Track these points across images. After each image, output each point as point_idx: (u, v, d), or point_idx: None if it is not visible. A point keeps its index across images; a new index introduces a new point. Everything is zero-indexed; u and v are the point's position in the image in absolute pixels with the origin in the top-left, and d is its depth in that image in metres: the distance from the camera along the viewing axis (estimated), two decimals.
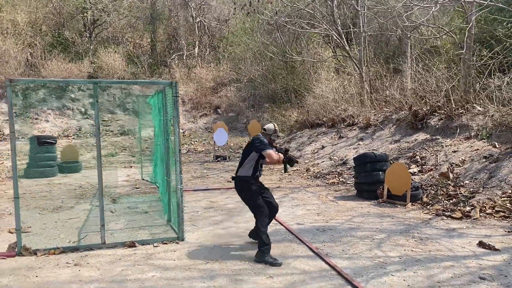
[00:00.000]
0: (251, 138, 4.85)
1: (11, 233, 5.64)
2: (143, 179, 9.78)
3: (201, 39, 27.80)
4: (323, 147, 12.05)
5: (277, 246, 5.08)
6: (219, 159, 13.51)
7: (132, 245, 5.05)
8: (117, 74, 23.08)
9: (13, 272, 4.28)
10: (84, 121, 21.22)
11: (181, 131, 21.97)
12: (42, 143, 10.07)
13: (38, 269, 4.37)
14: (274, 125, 5.00)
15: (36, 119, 20.34)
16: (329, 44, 19.64)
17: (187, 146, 17.31)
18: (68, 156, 11.06)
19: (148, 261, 4.58)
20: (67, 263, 4.53)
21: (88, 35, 24.40)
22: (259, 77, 22.91)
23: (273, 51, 21.16)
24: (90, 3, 23.39)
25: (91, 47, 23.80)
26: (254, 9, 21.00)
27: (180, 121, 23.22)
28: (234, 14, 23.74)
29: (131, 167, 11.91)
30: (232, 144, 17.38)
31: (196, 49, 27.02)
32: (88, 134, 20.03)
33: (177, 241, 5.26)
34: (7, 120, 19.70)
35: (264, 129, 4.99)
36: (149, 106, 10.65)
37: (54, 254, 4.79)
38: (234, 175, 4.90)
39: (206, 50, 27.64)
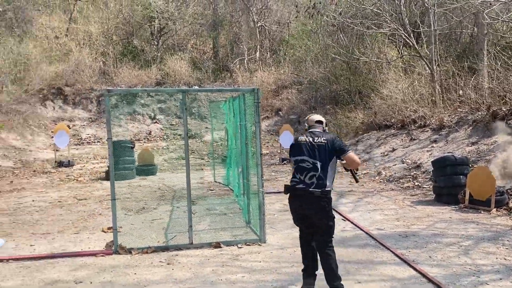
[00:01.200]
0: (323, 138, 3.83)
1: (105, 232, 6.05)
2: (215, 182, 10.06)
3: (262, 43, 28.09)
4: (393, 149, 11.75)
5: (361, 251, 5.05)
6: (285, 161, 13.59)
7: (217, 245, 5.24)
8: (183, 80, 23.88)
9: (113, 269, 4.59)
10: (154, 125, 22.16)
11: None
12: (124, 147, 10.68)
13: (135, 267, 4.66)
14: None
15: (106, 123, 21.49)
16: (394, 43, 19.11)
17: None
18: (145, 160, 11.62)
19: (235, 262, 4.73)
20: (160, 262, 4.79)
21: (155, 43, 25.46)
22: (320, 78, 22.74)
23: (336, 52, 20.93)
24: (157, 12, 24.41)
25: (159, 55, 24.81)
26: (318, 11, 20.92)
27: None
28: (296, 17, 23.74)
29: (202, 169, 12.28)
30: None
31: (258, 53, 27.34)
32: (157, 138, 20.91)
33: (259, 243, 5.38)
34: (83, 125, 21.06)
35: (320, 121, 4.06)
36: (218, 110, 10.95)
37: (147, 253, 5.08)
38: (315, 188, 3.70)
39: (267, 53, 27.87)
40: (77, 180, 10.69)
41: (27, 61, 19.81)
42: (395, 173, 10.03)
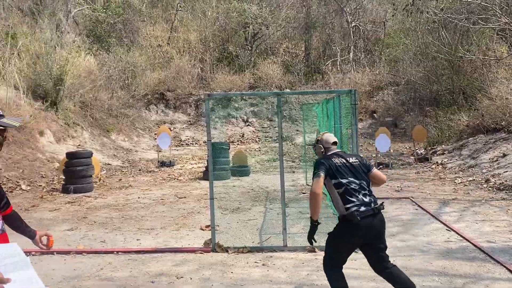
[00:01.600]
0: (354, 157, 3.65)
1: (203, 230, 6.30)
2: (308, 185, 9.98)
3: (356, 44, 27.42)
4: (504, 155, 10.69)
5: (468, 265, 4.65)
6: (381, 166, 13.06)
7: (312, 250, 5.17)
8: (275, 84, 24.16)
9: (212, 266, 4.75)
10: (246, 128, 22.72)
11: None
12: (220, 148, 11.08)
13: (231, 265, 4.77)
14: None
15: (205, 126, 22.45)
16: (504, 39, 17.42)
17: None
18: (238, 161, 11.95)
19: None
20: (255, 262, 4.85)
21: (249, 48, 26.10)
22: (419, 78, 21.55)
23: (437, 50, 19.68)
24: (251, 17, 25.02)
25: (252, 59, 25.39)
26: (417, 8, 19.81)
27: None
28: (393, 15, 22.77)
29: (293, 172, 12.29)
30: (392, 151, 16.64)
31: (351, 54, 26.74)
32: (250, 140, 21.39)
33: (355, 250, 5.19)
34: (183, 127, 22.29)
35: (336, 142, 3.82)
36: (310, 113, 10.85)
37: (243, 252, 5.18)
38: (376, 204, 3.45)
39: (361, 54, 27.12)
40: (177, 179, 11.32)
41: (134, 68, 21.46)
42: (506, 181, 9.11)
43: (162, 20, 28.11)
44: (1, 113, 2.30)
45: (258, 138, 21.49)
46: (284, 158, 15.83)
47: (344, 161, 3.55)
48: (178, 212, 7.59)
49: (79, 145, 14.89)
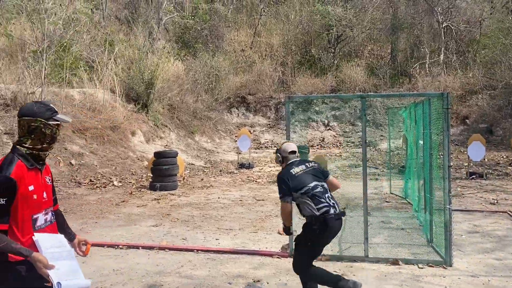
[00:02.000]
0: (312, 162, 3.87)
1: (280, 234, 6.23)
2: (391, 193, 9.53)
3: (447, 45, 25.79)
4: None
5: None
6: (473, 176, 12.08)
7: (395, 262, 4.88)
8: (358, 87, 23.50)
9: (289, 272, 4.65)
10: (327, 132, 22.36)
11: (421, 142, 20.75)
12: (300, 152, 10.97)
13: None
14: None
15: (285, 130, 22.45)
16: None
17: None
18: None
19: (416, 284, 4.32)
20: (335, 271, 4.66)
21: (332, 50, 25.70)
22: None
23: None
24: (335, 20, 24.61)
25: (335, 62, 24.96)
26: None
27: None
28: (491, 14, 21.08)
29: (376, 179, 11.80)
30: (486, 160, 15.35)
31: (442, 56, 25.19)
32: (330, 145, 21.01)
33: (444, 265, 4.82)
34: (263, 130, 22.52)
35: (294, 151, 3.92)
36: (395, 117, 10.35)
37: (321, 260, 5.02)
38: (338, 209, 3.69)
39: (453, 55, 25.43)
40: (256, 181, 11.42)
41: (218, 73, 22.12)
42: None
43: (246, 25, 28.70)
44: (56, 109, 2.43)
45: (339, 143, 21.04)
46: (367, 164, 15.32)
47: (304, 167, 3.76)
48: (256, 214, 7.62)
49: (166, 145, 15.65)
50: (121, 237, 6.24)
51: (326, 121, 22.93)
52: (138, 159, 13.21)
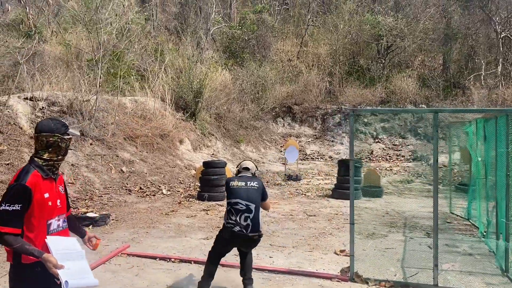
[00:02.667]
0: (257, 180, 4.46)
1: (337, 254, 5.92)
2: (451, 213, 8.94)
3: (505, 56, 24.48)
4: None
5: None
6: None
7: None
8: (409, 98, 22.70)
9: None
10: (376, 145, 21.68)
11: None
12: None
13: None
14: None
15: (332, 141, 22.00)
16: None
17: None
18: (370, 181, 11.29)
19: None
20: None
21: (381, 61, 25.02)
22: None
23: None
24: (386, 30, 23.97)
25: (384, 73, 24.28)
26: None
27: (479, 147, 20.91)
28: None
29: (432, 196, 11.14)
30: None
31: (499, 67, 23.93)
32: (379, 158, 20.33)
33: None
34: (309, 141, 22.15)
35: (247, 168, 4.63)
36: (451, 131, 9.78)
37: (385, 286, 4.67)
38: (253, 232, 4.27)
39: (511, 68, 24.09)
40: (305, 195, 11.10)
41: (264, 82, 22.03)
42: None
43: (293, 35, 28.55)
44: (68, 124, 2.69)
45: (389, 156, 20.32)
46: (420, 180, 14.60)
47: (243, 184, 4.32)
48: (309, 231, 7.32)
49: (212, 154, 15.65)
50: (172, 249, 6.13)
51: (374, 133, 22.27)
52: (186, 168, 13.23)
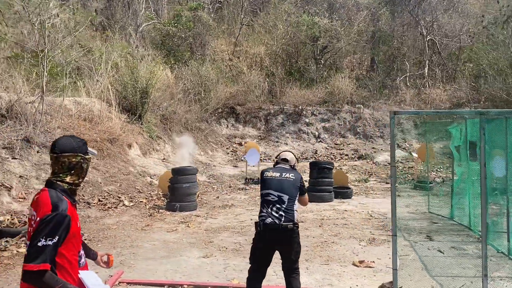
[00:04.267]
0: (294, 172, 4.10)
1: (357, 266, 5.56)
2: (430, 212, 9.02)
3: (431, 58, 26.14)
4: None
5: None
6: None
7: None
8: (347, 99, 23.30)
9: None
10: (319, 144, 21.92)
11: (415, 155, 20.72)
12: (322, 168, 10.37)
13: None
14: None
15: (277, 142, 21.86)
16: None
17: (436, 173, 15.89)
18: (338, 181, 11.14)
19: None
20: None
21: (319, 62, 25.43)
22: (502, 97, 20.05)
23: None
24: (322, 31, 24.35)
25: (324, 73, 24.70)
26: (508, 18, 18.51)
27: (414, 145, 22.03)
28: (483, 27, 21.45)
29: (399, 195, 11.27)
30: None
31: (426, 68, 25.48)
32: (324, 157, 20.51)
33: None
34: (254, 142, 21.77)
35: (286, 159, 4.29)
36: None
37: None
38: (286, 222, 3.86)
39: (437, 69, 25.78)
40: None
41: (207, 82, 21.28)
42: None
43: (227, 35, 28.00)
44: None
45: (333, 155, 20.61)
46: (375, 179, 14.80)
47: (278, 174, 4.01)
48: (307, 240, 6.89)
49: (164, 159, 14.67)
50: (175, 272, 5.36)
51: (316, 133, 22.52)
52: (140, 175, 12.17)
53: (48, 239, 2.07)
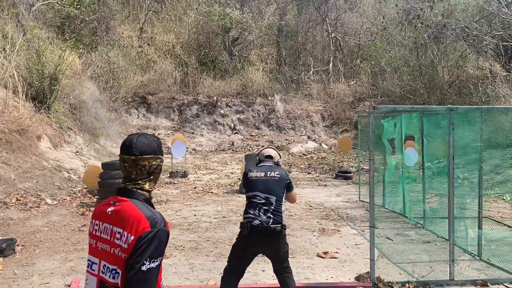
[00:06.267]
0: (278, 169, 3.93)
1: (322, 257, 5.66)
2: (361, 201, 9.53)
3: (335, 54, 27.65)
4: None
5: None
6: None
7: (484, 284, 4.72)
8: (260, 91, 23.67)
9: None
10: (235, 136, 21.98)
11: (325, 146, 21.86)
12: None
13: None
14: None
15: (192, 133, 21.46)
16: (500, 56, 18.24)
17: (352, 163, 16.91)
18: None
19: None
20: None
21: (232, 53, 25.40)
22: (397, 92, 22.09)
23: (419, 66, 20.31)
24: (233, 22, 24.33)
25: (238, 65, 24.72)
26: (422, 22, 20.16)
27: (322, 136, 23.23)
28: (384, 28, 23.19)
29: (325, 185, 11.77)
30: None
31: (330, 64, 26.90)
32: (241, 149, 20.63)
33: None
34: (168, 134, 21.08)
35: (270, 156, 4.07)
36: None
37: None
38: (274, 224, 3.68)
39: (340, 64, 27.38)
40: (211, 192, 10.43)
41: (117, 69, 20.03)
42: None
43: (131, 20, 26.58)
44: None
45: (250, 147, 20.83)
46: (296, 170, 15.22)
47: (263, 175, 3.82)
48: None
49: (77, 152, 13.50)
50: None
51: (232, 125, 22.57)
52: (56, 170, 11.04)
53: (152, 261, 1.72)
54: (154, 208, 1.90)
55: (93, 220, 1.93)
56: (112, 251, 1.78)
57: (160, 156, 1.99)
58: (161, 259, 1.79)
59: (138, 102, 21.88)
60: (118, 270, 1.75)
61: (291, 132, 22.96)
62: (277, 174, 3.82)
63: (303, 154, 19.51)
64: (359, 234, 6.86)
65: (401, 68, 22.74)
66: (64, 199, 8.98)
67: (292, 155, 18.93)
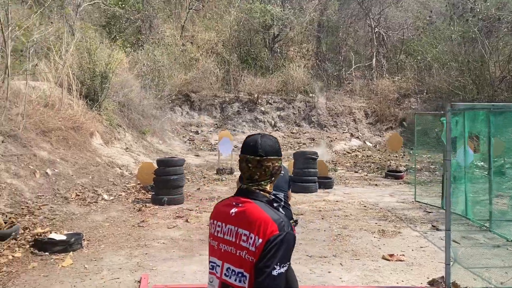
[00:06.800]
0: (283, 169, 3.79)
1: (387, 260, 5.49)
2: (417, 201, 9.24)
3: (378, 50, 27.03)
4: None
5: None
6: None
7: None
8: (301, 88, 23.49)
9: None
10: (275, 133, 21.89)
11: (370, 144, 21.44)
12: (308, 158, 10.26)
13: None
14: None
15: (234, 130, 21.52)
16: None
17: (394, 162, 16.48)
18: (321, 172, 11.10)
19: None
20: None
21: (274, 50, 25.30)
22: (444, 88, 21.33)
23: (468, 61, 19.56)
24: (274, 19, 24.19)
25: (279, 62, 24.61)
26: (474, 15, 19.41)
27: (366, 134, 22.76)
28: (431, 23, 22.48)
29: (376, 185, 11.52)
30: None
31: (374, 60, 26.31)
32: (283, 146, 20.53)
33: None
34: (210, 131, 21.25)
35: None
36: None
37: None
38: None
39: (384, 60, 26.74)
40: None
41: (162, 67, 20.35)
42: None
43: (172, 19, 26.92)
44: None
45: (291, 144, 20.70)
46: (340, 168, 14.97)
47: None
48: (319, 233, 6.73)
49: (127, 149, 13.81)
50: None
51: (272, 122, 22.49)
52: (109, 166, 11.32)
53: (282, 265, 1.66)
54: (279, 210, 1.83)
55: (214, 221, 1.88)
56: (238, 254, 1.73)
57: (281, 157, 1.96)
58: (289, 264, 1.72)
59: (182, 100, 22.16)
60: (245, 274, 1.70)
61: (333, 130, 22.67)
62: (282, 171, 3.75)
63: (347, 152, 19.18)
64: (422, 236, 6.62)
65: (449, 63, 22.03)
66: (120, 195, 9.17)
67: (335, 153, 18.64)
